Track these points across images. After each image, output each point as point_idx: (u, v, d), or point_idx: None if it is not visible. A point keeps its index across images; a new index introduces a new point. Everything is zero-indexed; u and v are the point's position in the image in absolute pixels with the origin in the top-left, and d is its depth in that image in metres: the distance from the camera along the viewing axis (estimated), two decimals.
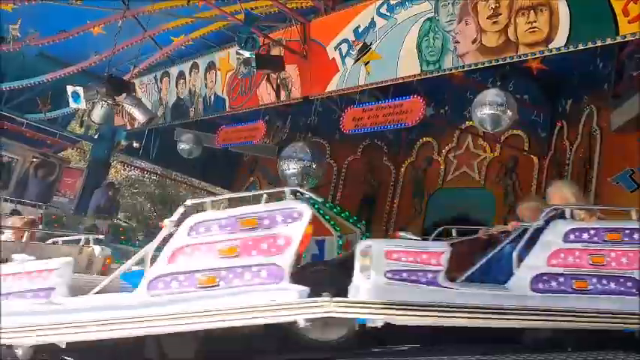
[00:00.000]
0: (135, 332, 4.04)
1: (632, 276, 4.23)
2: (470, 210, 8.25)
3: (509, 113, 6.38)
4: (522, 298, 4.17)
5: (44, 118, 11.36)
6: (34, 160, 11.50)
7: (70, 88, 7.87)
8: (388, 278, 4.08)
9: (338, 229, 6.38)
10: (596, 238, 4.29)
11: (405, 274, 4.11)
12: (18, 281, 4.20)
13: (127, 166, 15.60)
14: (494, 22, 5.83)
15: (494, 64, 5.95)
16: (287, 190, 4.31)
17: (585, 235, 4.29)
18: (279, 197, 4.34)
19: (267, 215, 4.13)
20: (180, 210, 4.30)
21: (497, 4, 5.79)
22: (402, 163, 10.37)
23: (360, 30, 7.03)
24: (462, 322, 4.07)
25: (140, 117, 8.20)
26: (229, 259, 4.06)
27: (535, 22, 5.52)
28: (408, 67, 6.53)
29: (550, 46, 5.44)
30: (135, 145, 11.76)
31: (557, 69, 7.33)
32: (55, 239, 6.00)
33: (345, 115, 7.39)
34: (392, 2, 6.72)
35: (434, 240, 5.15)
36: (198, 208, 4.42)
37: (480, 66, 6.11)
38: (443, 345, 4.52)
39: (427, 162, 10.07)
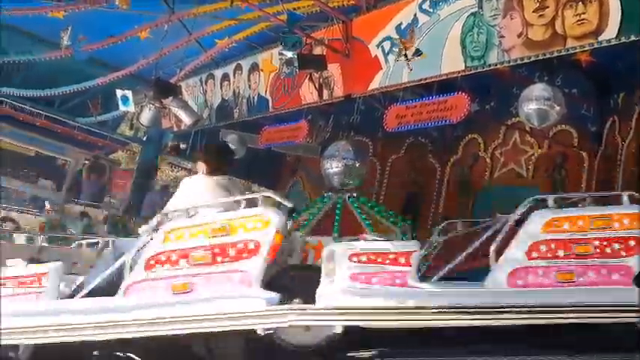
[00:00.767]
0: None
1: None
2: None
3: (557, 108, 6.22)
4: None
5: (95, 121, 11.70)
6: (86, 162, 11.90)
7: (119, 92, 8.11)
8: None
9: (372, 228, 6.36)
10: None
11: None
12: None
13: (175, 167, 15.93)
14: (541, 16, 5.70)
15: (541, 58, 5.82)
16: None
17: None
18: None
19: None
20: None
21: None
22: (447, 161, 10.21)
23: (402, 27, 6.98)
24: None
25: (186, 119, 8.37)
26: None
27: (584, 13, 5.36)
28: (452, 63, 6.45)
29: (600, 39, 5.27)
30: (182, 146, 11.99)
31: (607, 61, 7.08)
32: (80, 241, 6.17)
33: (388, 112, 7.35)
34: None
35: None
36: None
37: (526, 60, 5.99)
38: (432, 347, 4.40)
39: (473, 159, 9.89)
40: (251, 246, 4.07)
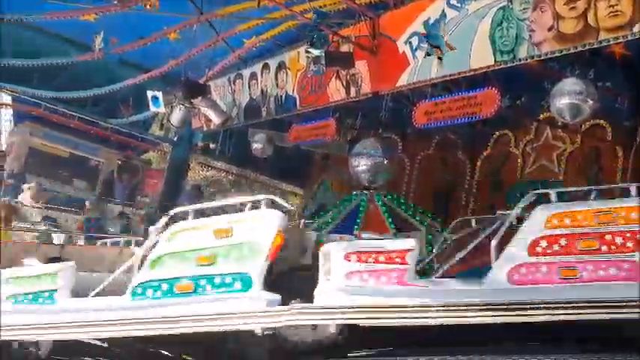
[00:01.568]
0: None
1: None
2: None
3: (590, 102, 6.11)
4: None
5: (126, 122, 11.88)
6: (119, 162, 12.10)
7: (149, 93, 8.23)
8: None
9: (393, 226, 6.35)
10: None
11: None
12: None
13: (205, 167, 16.06)
14: (572, 8, 5.60)
15: (572, 51, 5.71)
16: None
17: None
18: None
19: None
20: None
21: None
22: (478, 158, 10.10)
23: (430, 22, 6.93)
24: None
25: (215, 118, 8.45)
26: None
27: (617, 4, 5.25)
28: (481, 58, 6.39)
29: (635, 30, 5.16)
30: (211, 145, 12.10)
31: None
32: (104, 241, 6.29)
33: (417, 109, 7.30)
34: None
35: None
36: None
37: (557, 54, 5.89)
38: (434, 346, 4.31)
39: (504, 155, 9.77)
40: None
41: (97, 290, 4.50)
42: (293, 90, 9.02)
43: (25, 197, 9.96)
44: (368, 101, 8.25)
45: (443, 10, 6.79)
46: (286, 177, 14.05)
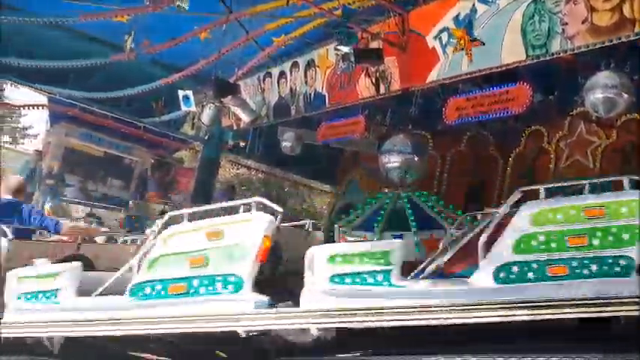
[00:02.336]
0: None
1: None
2: None
3: (625, 96, 5.96)
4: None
5: (158, 121, 12.06)
6: (152, 161, 12.30)
7: (181, 92, 8.33)
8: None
9: (415, 225, 6.34)
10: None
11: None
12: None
13: (235, 165, 16.22)
14: (607, 0, 5.47)
15: (607, 44, 5.59)
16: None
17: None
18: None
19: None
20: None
21: None
22: (510, 154, 9.94)
23: (460, 17, 6.86)
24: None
25: (245, 117, 8.52)
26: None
27: None
28: (513, 52, 6.30)
29: None
30: (241, 144, 12.21)
31: None
32: (124, 238, 6.42)
33: (448, 105, 7.24)
34: None
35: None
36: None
37: (591, 48, 5.77)
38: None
39: (537, 151, 9.61)
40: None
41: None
42: (322, 88, 9.04)
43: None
44: (398, 98, 8.21)
45: (473, 5, 6.72)
46: (315, 175, 14.08)
